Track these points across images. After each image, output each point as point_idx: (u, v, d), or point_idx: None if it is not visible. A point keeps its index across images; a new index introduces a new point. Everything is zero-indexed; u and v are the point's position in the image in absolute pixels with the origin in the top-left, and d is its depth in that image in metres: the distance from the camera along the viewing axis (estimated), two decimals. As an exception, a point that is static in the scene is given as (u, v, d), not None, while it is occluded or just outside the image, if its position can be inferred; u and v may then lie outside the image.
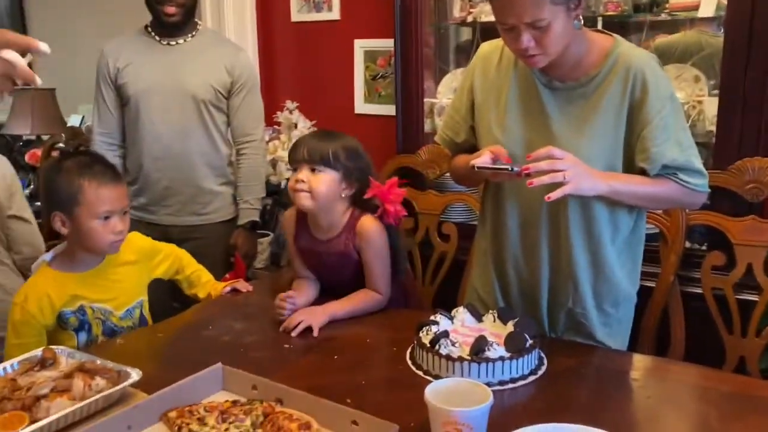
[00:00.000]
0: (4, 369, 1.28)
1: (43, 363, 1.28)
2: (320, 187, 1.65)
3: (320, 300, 1.76)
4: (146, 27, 2.35)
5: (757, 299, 1.78)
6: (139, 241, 1.81)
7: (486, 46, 1.58)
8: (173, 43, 2.33)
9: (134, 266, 1.74)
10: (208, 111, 2.34)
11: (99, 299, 1.63)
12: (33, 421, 1.07)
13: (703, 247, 1.96)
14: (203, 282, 1.90)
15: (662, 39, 2.41)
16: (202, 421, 1.12)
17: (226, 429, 1.10)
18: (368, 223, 1.73)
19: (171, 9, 2.22)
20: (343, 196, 1.71)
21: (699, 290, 1.85)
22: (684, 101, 2.24)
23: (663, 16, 2.30)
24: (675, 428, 1.26)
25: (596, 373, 1.41)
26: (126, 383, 1.20)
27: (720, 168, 1.92)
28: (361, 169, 1.72)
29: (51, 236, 2.09)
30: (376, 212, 1.74)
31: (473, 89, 1.56)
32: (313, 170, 1.66)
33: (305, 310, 1.64)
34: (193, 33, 2.36)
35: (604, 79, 1.41)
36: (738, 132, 2.04)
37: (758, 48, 1.99)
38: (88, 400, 1.14)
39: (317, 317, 1.59)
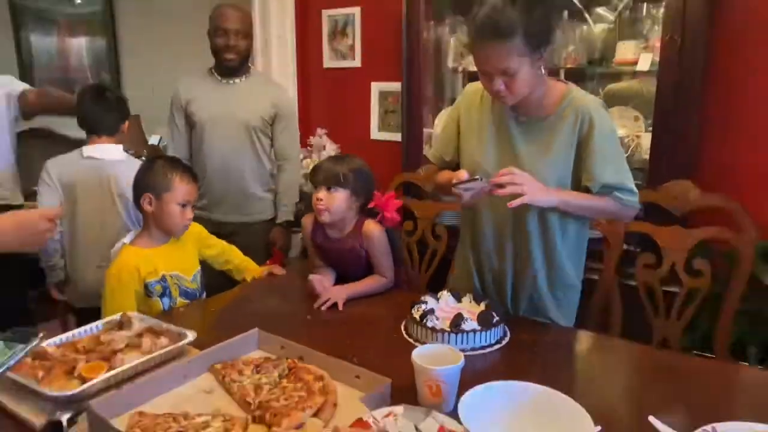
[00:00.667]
0: (91, 329, 1.30)
1: (120, 325, 1.31)
2: (335, 204, 1.65)
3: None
4: (210, 69, 2.37)
5: (678, 291, 1.77)
6: (193, 226, 1.80)
7: (471, 86, 1.58)
8: (231, 82, 2.34)
9: (190, 243, 1.76)
10: (257, 135, 2.35)
11: (174, 267, 1.64)
12: (110, 369, 1.09)
13: (638, 249, 1.95)
14: (248, 269, 1.91)
15: (610, 86, 2.40)
16: (240, 372, 1.13)
17: (259, 378, 1.11)
18: (371, 227, 1.74)
19: (230, 56, 2.26)
20: (352, 207, 1.72)
21: (633, 283, 1.85)
22: (625, 136, 2.24)
23: (610, 69, 2.31)
24: (609, 388, 1.24)
25: (548, 344, 1.41)
26: (183, 342, 1.23)
27: (652, 188, 1.91)
28: (365, 184, 1.72)
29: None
30: (377, 217, 1.76)
31: (459, 119, 1.57)
32: (329, 189, 1.66)
33: (331, 289, 1.64)
34: (247, 75, 2.38)
35: (560, 117, 1.41)
36: (666, 160, 2.05)
37: (683, 95, 2.01)
38: (153, 354, 1.16)
39: (341, 295, 1.61)
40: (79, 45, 4.87)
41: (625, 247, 1.91)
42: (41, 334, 0.71)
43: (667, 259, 1.80)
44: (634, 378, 1.30)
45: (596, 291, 1.86)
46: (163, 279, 1.60)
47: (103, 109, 2.06)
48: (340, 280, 1.76)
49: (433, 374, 1.02)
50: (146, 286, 1.57)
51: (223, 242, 1.92)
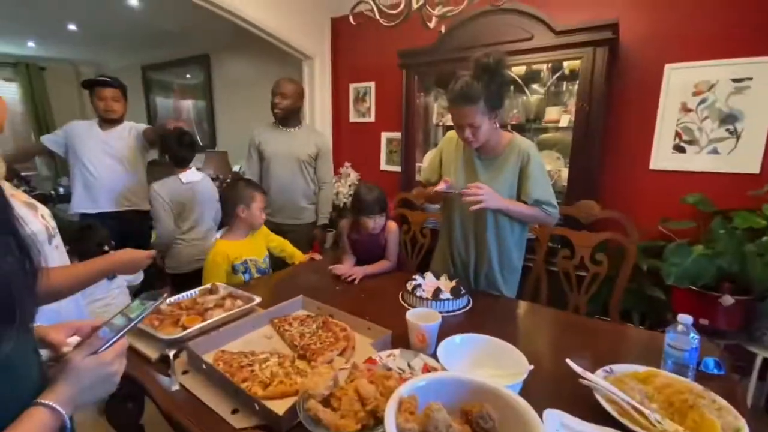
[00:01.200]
0: (190, 294, 1.28)
1: (210, 291, 1.29)
2: (382, 222, 1.69)
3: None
4: (274, 122, 2.34)
5: (585, 275, 1.74)
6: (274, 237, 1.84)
7: (449, 134, 1.56)
8: (288, 130, 2.31)
9: (260, 238, 1.74)
10: (305, 166, 2.32)
11: (251, 254, 1.62)
12: (203, 321, 1.09)
13: (559, 246, 1.91)
14: (296, 255, 1.88)
15: (541, 137, 2.37)
16: (290, 324, 1.12)
17: (302, 329, 1.10)
18: (393, 226, 1.75)
19: (276, 110, 2.23)
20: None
21: (555, 269, 1.81)
22: (552, 169, 2.21)
23: (541, 125, 2.28)
24: (539, 340, 1.23)
25: (499, 309, 1.39)
26: (252, 303, 1.22)
27: (569, 205, 1.89)
28: (386, 204, 1.71)
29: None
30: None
31: (441, 155, 1.56)
32: (382, 214, 1.66)
33: (355, 269, 1.62)
34: (299, 126, 2.35)
35: (507, 156, 1.40)
36: (578, 186, 2.03)
37: (589, 143, 1.98)
38: (232, 311, 1.16)
39: (360, 273, 1.59)
40: (188, 105, 4.90)
41: (550, 244, 1.88)
42: (165, 295, 0.70)
43: (578, 253, 1.76)
44: (556, 333, 1.28)
45: (530, 274, 1.83)
46: (245, 262, 1.59)
47: (188, 149, 2.01)
48: (359, 263, 1.74)
49: (420, 328, 1.01)
50: (233, 267, 1.55)
51: (280, 237, 1.89)
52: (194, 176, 2.03)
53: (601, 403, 0.79)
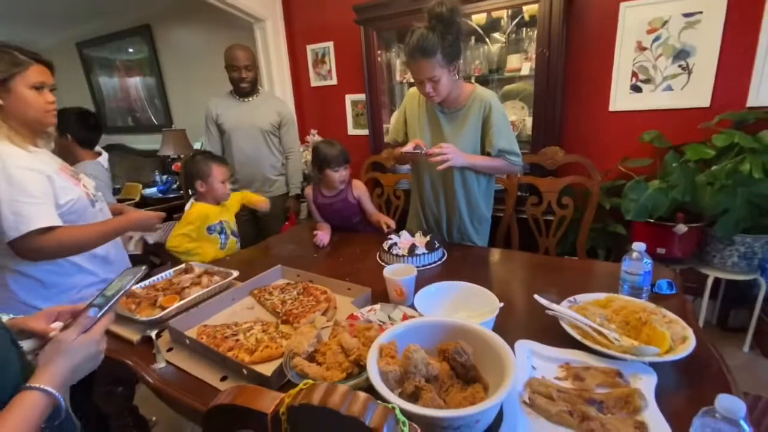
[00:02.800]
0: (165, 275, 1.26)
1: (185, 271, 1.28)
2: (347, 174, 1.71)
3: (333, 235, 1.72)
4: (230, 92, 2.25)
5: (553, 219, 1.82)
6: (234, 195, 1.74)
7: (411, 91, 1.54)
8: (246, 100, 2.23)
9: (233, 204, 1.72)
10: (269, 137, 2.26)
11: (224, 217, 1.62)
12: (182, 300, 1.08)
13: (526, 194, 1.98)
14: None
15: (505, 87, 2.37)
16: (271, 294, 1.14)
17: (283, 296, 1.11)
18: (359, 184, 1.76)
19: (244, 85, 2.15)
20: None
21: (525, 216, 1.88)
22: (516, 119, 2.25)
23: (504, 75, 2.27)
24: (511, 281, 1.29)
25: (472, 257, 1.44)
26: (230, 278, 1.21)
27: (534, 153, 1.93)
28: (349, 157, 1.71)
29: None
30: None
31: (405, 112, 1.55)
32: (345, 166, 1.68)
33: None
34: (257, 94, 2.25)
35: (469, 107, 1.40)
36: (542, 134, 2.06)
37: (551, 90, 2.00)
38: (210, 287, 1.15)
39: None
40: (135, 82, 4.57)
41: (519, 193, 1.94)
42: (144, 268, 0.72)
43: (545, 198, 1.83)
44: (526, 274, 1.34)
45: (501, 223, 1.89)
46: (220, 222, 1.59)
47: (94, 130, 1.88)
48: (335, 229, 1.74)
49: (397, 282, 1.04)
50: (208, 228, 1.56)
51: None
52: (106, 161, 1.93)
53: (566, 329, 0.86)
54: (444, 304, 0.98)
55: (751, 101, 1.86)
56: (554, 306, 0.91)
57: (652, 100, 2.06)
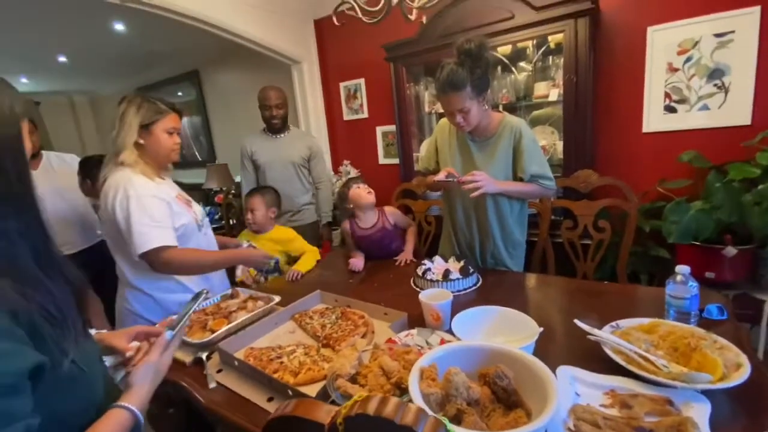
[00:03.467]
0: (212, 301, 1.32)
1: (231, 296, 1.34)
2: (371, 191, 1.77)
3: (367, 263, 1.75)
4: (263, 129, 2.36)
5: (590, 242, 1.78)
6: (285, 231, 1.92)
7: (442, 121, 1.59)
8: (278, 136, 2.33)
9: (273, 241, 1.85)
10: (300, 169, 2.35)
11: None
12: (229, 323, 1.14)
13: (561, 218, 1.95)
14: (306, 249, 1.88)
15: (533, 113, 2.39)
16: (311, 318, 1.18)
17: (323, 321, 1.15)
18: (390, 208, 1.83)
19: (275, 122, 2.27)
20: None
21: (560, 240, 1.85)
22: (547, 143, 2.25)
23: (532, 102, 2.29)
24: (548, 306, 1.26)
25: (507, 283, 1.43)
26: (272, 303, 1.27)
27: (567, 176, 1.92)
28: None
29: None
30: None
31: (437, 141, 1.59)
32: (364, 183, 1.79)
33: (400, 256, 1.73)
34: (288, 130, 2.36)
35: (500, 135, 1.43)
36: (573, 158, 2.05)
37: (580, 114, 2.01)
38: (255, 312, 1.21)
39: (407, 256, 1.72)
40: (184, 122, 4.96)
41: (552, 217, 1.92)
42: (206, 292, 0.83)
43: (580, 222, 1.80)
44: (564, 299, 1.31)
45: (536, 248, 1.87)
46: (250, 244, 1.64)
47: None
48: (370, 258, 1.77)
49: (433, 307, 1.06)
50: None
51: (303, 245, 1.89)
52: None
53: (609, 354, 0.84)
54: (482, 329, 0.98)
55: (797, 117, 1.78)
56: (596, 331, 0.90)
57: (688, 120, 2.01)
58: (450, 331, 1.00)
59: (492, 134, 1.45)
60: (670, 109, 2.05)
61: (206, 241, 1.39)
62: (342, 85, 3.26)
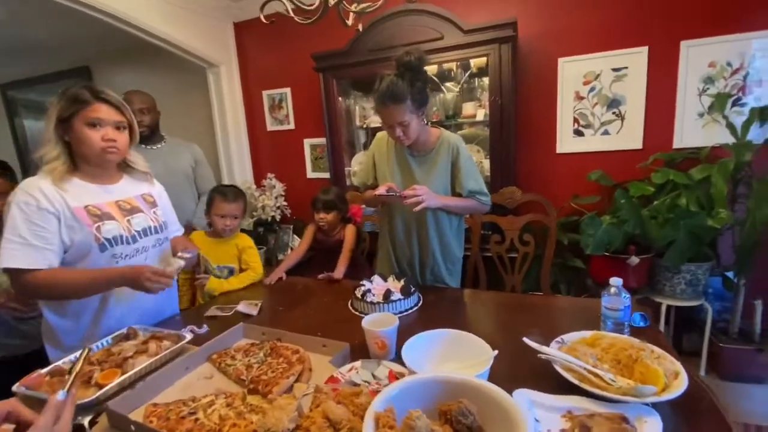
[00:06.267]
0: (102, 344, 1.07)
1: (127, 337, 1.09)
2: (330, 220, 1.84)
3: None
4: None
5: (516, 255, 1.87)
6: (243, 238, 1.75)
7: (379, 135, 1.55)
8: (156, 147, 2.04)
9: (231, 246, 1.71)
10: (190, 180, 2.12)
11: (208, 255, 1.55)
12: (123, 374, 0.91)
13: (489, 232, 2.02)
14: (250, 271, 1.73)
15: (460, 132, 2.47)
16: (233, 358, 1.00)
17: (248, 360, 0.98)
18: (350, 230, 1.84)
19: (143, 129, 1.90)
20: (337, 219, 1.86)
21: (490, 254, 1.91)
22: (475, 162, 2.34)
23: (459, 120, 2.38)
24: (494, 323, 1.26)
25: (447, 300, 1.40)
26: (182, 342, 1.05)
27: (494, 193, 1.98)
28: (343, 204, 1.89)
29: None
30: (351, 222, 1.91)
31: (374, 155, 1.54)
32: (327, 212, 1.83)
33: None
34: (164, 141, 2.09)
35: (438, 150, 1.43)
36: (499, 176, 2.17)
37: (506, 136, 2.13)
38: (159, 355, 0.99)
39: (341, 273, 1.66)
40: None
41: (482, 232, 1.98)
42: (86, 348, 0.73)
43: (507, 236, 1.89)
44: (504, 314, 1.31)
45: (468, 262, 1.90)
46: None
47: None
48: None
49: (379, 335, 0.97)
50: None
51: (253, 260, 1.72)
52: None
53: (561, 373, 0.83)
54: (431, 356, 0.91)
55: (677, 143, 2.10)
56: (545, 349, 0.88)
57: (592, 143, 2.26)
58: (396, 360, 0.92)
59: (431, 149, 1.44)
60: (578, 133, 2.29)
61: (116, 262, 1.14)
62: (265, 93, 3.07)
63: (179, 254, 1.18)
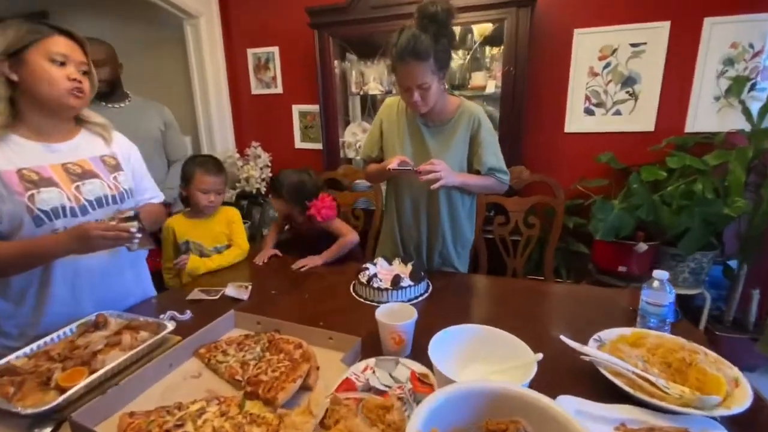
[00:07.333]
0: (64, 333, 0.91)
1: (96, 326, 0.92)
2: (279, 208, 1.60)
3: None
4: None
5: (519, 239, 1.78)
6: (229, 210, 1.59)
7: (389, 99, 1.39)
8: (118, 106, 1.79)
9: (220, 223, 1.54)
10: (158, 145, 1.89)
11: (196, 237, 1.49)
12: (91, 373, 0.75)
13: (493, 213, 1.91)
14: (235, 247, 1.57)
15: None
16: (225, 353, 0.86)
17: (243, 355, 0.85)
18: (342, 226, 1.56)
19: (99, 83, 1.65)
20: (294, 210, 1.55)
21: (492, 236, 1.82)
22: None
23: (467, 92, 2.20)
24: (514, 313, 1.12)
25: (458, 287, 1.29)
26: (164, 332, 0.90)
27: (500, 171, 1.90)
28: (296, 197, 1.52)
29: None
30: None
31: (382, 124, 1.38)
32: (276, 198, 1.57)
33: (309, 259, 1.46)
34: (129, 99, 1.83)
35: (456, 121, 1.29)
36: (507, 153, 2.00)
37: (515, 111, 2.00)
38: (135, 349, 0.83)
39: (315, 262, 1.44)
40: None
41: (486, 213, 1.88)
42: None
43: (512, 218, 1.79)
44: (522, 303, 1.17)
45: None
46: (186, 242, 1.48)
47: None
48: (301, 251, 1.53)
49: (396, 329, 0.85)
50: (177, 245, 1.50)
51: (239, 235, 1.56)
52: None
53: (610, 378, 0.73)
54: (458, 355, 0.80)
55: (689, 127, 2.02)
56: (588, 349, 0.79)
57: (603, 123, 2.16)
58: (411, 356, 0.81)
59: (448, 119, 1.29)
60: (588, 111, 2.17)
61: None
62: (250, 51, 2.80)
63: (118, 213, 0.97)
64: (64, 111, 0.96)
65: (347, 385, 0.73)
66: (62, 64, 0.91)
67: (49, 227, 0.92)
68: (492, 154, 1.29)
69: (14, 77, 0.89)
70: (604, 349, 0.82)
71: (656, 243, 1.90)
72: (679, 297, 2.04)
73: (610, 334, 0.88)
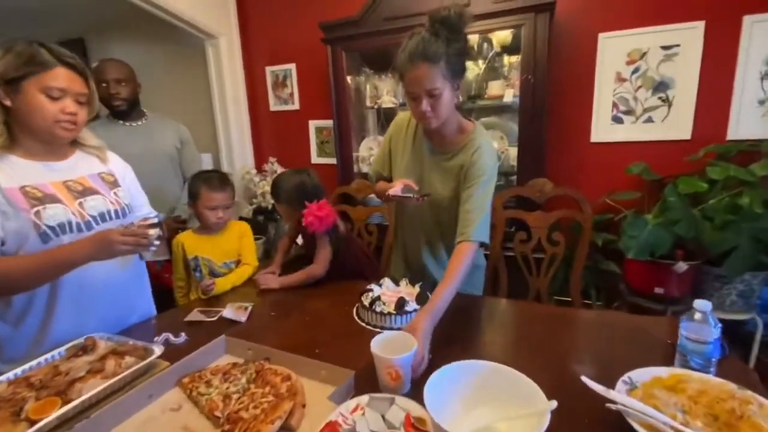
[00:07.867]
0: (52, 356, 0.88)
1: (84, 349, 0.89)
2: (280, 211, 1.50)
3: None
4: (108, 115, 1.79)
5: (543, 257, 1.65)
6: (239, 225, 1.55)
7: (400, 115, 1.30)
8: (135, 124, 1.81)
9: (231, 240, 1.50)
10: (173, 162, 1.91)
11: (206, 253, 1.45)
12: (65, 404, 0.71)
13: (513, 229, 1.81)
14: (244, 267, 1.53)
15: (483, 119, 2.21)
16: (209, 384, 0.79)
17: (227, 387, 0.78)
18: (325, 251, 1.42)
19: (116, 102, 1.73)
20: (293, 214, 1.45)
21: (513, 254, 1.70)
22: (498, 150, 2.10)
23: (484, 103, 2.12)
24: (531, 345, 1.02)
25: (468, 313, 1.18)
26: (151, 358, 0.85)
27: (520, 185, 1.79)
28: (295, 199, 1.41)
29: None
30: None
31: (391, 141, 1.30)
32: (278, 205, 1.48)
33: (267, 278, 1.41)
34: (146, 117, 1.85)
35: (459, 152, 1.17)
36: (527, 165, 1.93)
37: (536, 120, 1.89)
38: (117, 377, 0.78)
39: (272, 284, 1.38)
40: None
41: (506, 229, 1.76)
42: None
43: (534, 234, 1.67)
44: (542, 332, 1.05)
45: (488, 262, 1.68)
46: (196, 258, 1.44)
47: None
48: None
49: (393, 363, 0.76)
50: (187, 261, 1.46)
51: (248, 251, 1.52)
52: None
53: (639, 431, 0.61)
54: (461, 396, 0.70)
55: (731, 134, 1.84)
56: (615, 395, 0.67)
57: (633, 132, 2.01)
58: (412, 394, 0.73)
59: (452, 151, 1.17)
60: (617, 120, 2.03)
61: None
62: (269, 69, 2.83)
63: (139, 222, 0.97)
64: (55, 141, 0.97)
65: (330, 429, 0.64)
66: (59, 97, 0.91)
67: (55, 243, 0.92)
68: (481, 220, 1.07)
69: (8, 103, 0.89)
70: (636, 394, 0.70)
71: (698, 262, 1.71)
72: (725, 323, 1.85)
73: (642, 374, 0.75)
